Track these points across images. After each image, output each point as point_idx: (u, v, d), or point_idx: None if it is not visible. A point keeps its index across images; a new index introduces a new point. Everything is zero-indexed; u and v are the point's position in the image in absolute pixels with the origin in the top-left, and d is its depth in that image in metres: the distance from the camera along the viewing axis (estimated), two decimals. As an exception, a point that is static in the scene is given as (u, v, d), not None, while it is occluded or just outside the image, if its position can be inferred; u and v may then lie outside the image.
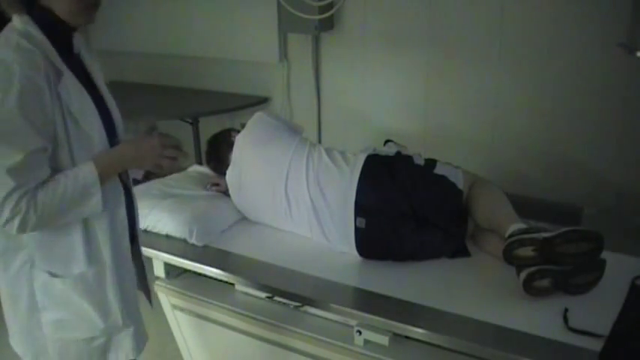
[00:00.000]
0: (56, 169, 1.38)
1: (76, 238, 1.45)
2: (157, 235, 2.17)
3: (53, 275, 1.46)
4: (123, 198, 1.53)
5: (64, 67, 1.39)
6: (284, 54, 3.46)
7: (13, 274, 1.49)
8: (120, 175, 1.54)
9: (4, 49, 1.33)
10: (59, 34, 1.42)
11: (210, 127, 3.03)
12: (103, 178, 1.41)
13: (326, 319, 1.95)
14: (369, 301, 1.80)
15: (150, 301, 1.86)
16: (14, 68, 1.29)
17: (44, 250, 1.45)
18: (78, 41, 1.51)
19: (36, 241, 1.44)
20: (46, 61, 1.34)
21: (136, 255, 1.70)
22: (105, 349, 1.56)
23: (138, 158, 1.48)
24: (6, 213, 1.31)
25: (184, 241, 2.14)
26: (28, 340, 1.56)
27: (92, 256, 1.47)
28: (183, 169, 1.60)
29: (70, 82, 1.39)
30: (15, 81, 1.29)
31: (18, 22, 1.37)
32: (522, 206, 2.00)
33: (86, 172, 1.38)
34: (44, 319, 1.51)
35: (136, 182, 1.81)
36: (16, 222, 1.32)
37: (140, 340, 1.62)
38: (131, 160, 1.48)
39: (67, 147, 1.39)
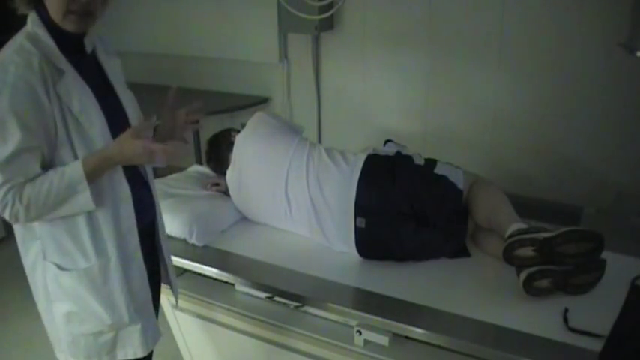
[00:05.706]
0: None
1: (83, 233, 1.47)
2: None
3: (61, 268, 1.49)
4: (129, 195, 1.50)
5: (67, 67, 1.39)
6: (284, 54, 3.46)
7: (31, 263, 1.53)
8: (131, 172, 1.53)
9: (8, 50, 1.37)
10: (66, 34, 1.41)
11: (210, 127, 3.03)
12: (92, 176, 1.40)
13: (326, 319, 1.95)
14: (369, 301, 1.80)
15: (175, 297, 1.87)
16: (9, 68, 1.33)
17: (53, 243, 1.48)
18: (92, 41, 1.51)
19: (46, 233, 1.47)
20: (44, 61, 1.35)
21: (157, 250, 1.72)
22: (113, 345, 1.57)
23: (125, 159, 1.43)
24: None
25: (184, 241, 2.15)
26: (47, 328, 1.61)
27: (98, 251, 1.49)
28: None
29: (72, 82, 1.40)
30: (8, 80, 1.32)
31: (29, 23, 1.40)
32: (522, 206, 2.00)
33: (73, 169, 1.39)
34: (56, 311, 1.54)
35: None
36: (7, 213, 1.38)
37: (150, 337, 1.61)
38: (118, 161, 1.43)
39: (69, 147, 1.40)
